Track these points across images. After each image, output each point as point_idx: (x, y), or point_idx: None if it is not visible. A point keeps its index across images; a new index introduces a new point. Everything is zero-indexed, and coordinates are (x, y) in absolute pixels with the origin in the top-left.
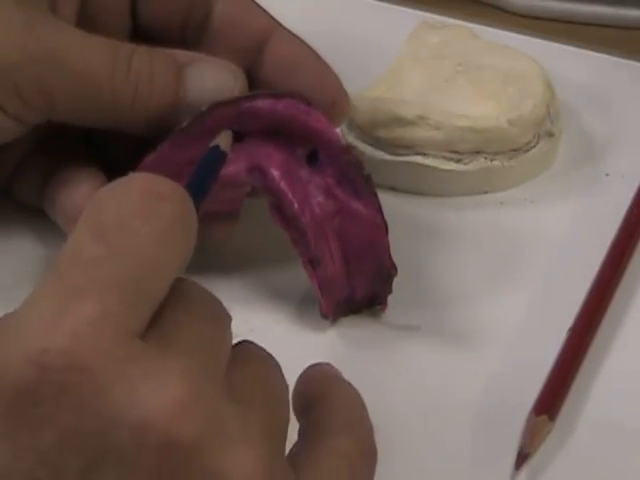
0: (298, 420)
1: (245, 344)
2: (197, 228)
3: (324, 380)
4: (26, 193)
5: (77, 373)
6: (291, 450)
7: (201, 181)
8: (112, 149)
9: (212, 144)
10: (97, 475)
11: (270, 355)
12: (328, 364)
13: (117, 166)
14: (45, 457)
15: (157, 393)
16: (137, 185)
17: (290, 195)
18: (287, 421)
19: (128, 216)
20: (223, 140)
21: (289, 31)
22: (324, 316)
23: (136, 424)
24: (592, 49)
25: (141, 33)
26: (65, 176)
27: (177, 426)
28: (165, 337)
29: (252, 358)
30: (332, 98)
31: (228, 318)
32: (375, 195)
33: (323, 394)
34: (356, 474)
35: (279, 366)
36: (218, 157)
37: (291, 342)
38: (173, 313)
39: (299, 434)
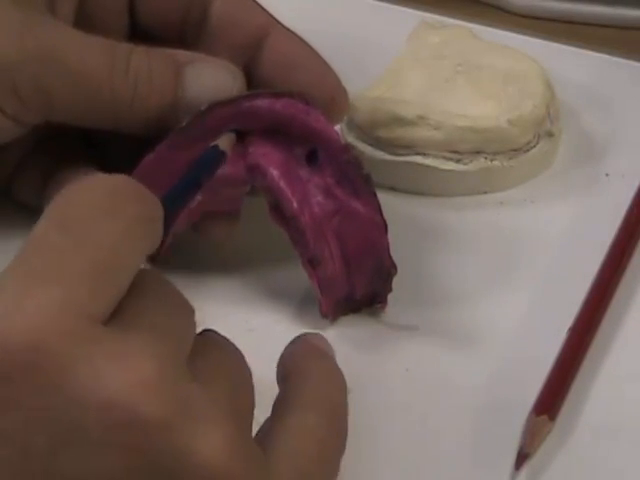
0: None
1: (207, 333)
2: (162, 230)
3: (306, 353)
4: (26, 193)
5: (40, 354)
6: (262, 425)
7: (195, 176)
8: (111, 149)
9: (212, 143)
10: (64, 454)
11: (230, 342)
12: (318, 335)
13: (116, 166)
14: (10, 437)
15: (122, 373)
16: (104, 184)
17: (289, 194)
18: (252, 404)
19: (92, 211)
20: (224, 141)
21: (287, 29)
22: (324, 316)
23: (102, 403)
24: (592, 49)
25: (140, 32)
26: (64, 177)
27: (144, 404)
28: (128, 323)
29: (213, 345)
30: (330, 95)
31: (191, 309)
32: (374, 195)
33: (300, 367)
34: (323, 453)
35: (240, 352)
36: (216, 156)
37: None
38: (135, 302)
39: (272, 407)
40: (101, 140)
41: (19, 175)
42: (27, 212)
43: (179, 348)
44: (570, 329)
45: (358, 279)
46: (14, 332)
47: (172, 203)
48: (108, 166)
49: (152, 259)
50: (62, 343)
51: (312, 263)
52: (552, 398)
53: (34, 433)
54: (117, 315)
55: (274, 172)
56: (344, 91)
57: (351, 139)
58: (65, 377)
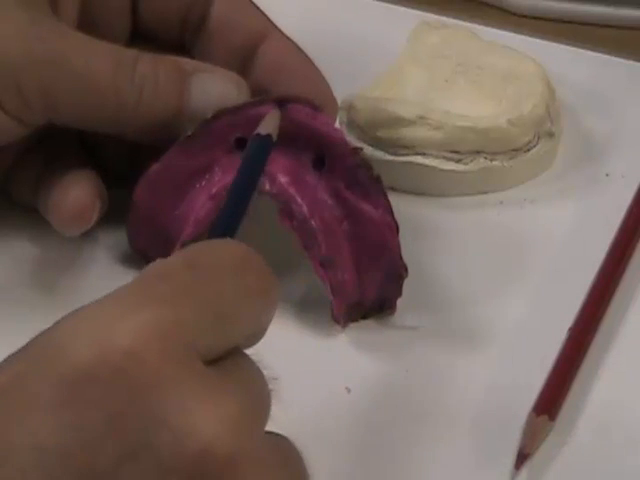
0: None
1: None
2: (276, 305)
3: None
4: (22, 193)
5: (134, 362)
6: None
7: (249, 173)
8: (106, 152)
9: (256, 131)
10: (131, 466)
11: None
12: None
13: (110, 167)
14: (84, 437)
15: (207, 407)
16: (235, 248)
17: (299, 199)
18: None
19: (221, 266)
20: (268, 123)
21: (284, 35)
22: (335, 319)
23: (181, 428)
24: (592, 49)
25: (141, 32)
26: (59, 177)
27: (220, 441)
28: (223, 371)
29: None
30: (319, 103)
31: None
32: (385, 196)
33: None
34: None
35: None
36: (263, 144)
37: (302, 348)
38: (233, 361)
39: None
40: (96, 142)
41: (15, 175)
42: (24, 212)
43: (262, 412)
44: (570, 329)
45: (369, 283)
46: (116, 335)
47: (234, 206)
48: (102, 168)
49: None
50: (159, 360)
51: (324, 265)
52: (552, 398)
53: (106, 438)
54: (216, 363)
55: (282, 178)
56: (334, 100)
57: (351, 139)
58: (151, 393)
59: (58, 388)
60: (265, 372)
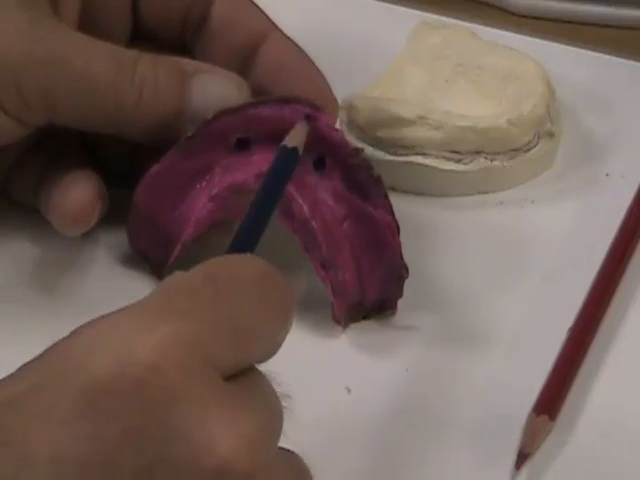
0: None
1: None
2: (292, 322)
3: None
4: (22, 193)
5: (156, 376)
6: None
7: (273, 186)
8: (106, 152)
9: (282, 144)
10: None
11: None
12: None
13: (110, 167)
14: (102, 449)
15: (228, 422)
16: (255, 263)
17: (300, 200)
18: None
19: (242, 279)
20: (294, 136)
21: (285, 35)
22: (336, 320)
23: (199, 443)
24: (592, 49)
25: (141, 32)
26: (59, 177)
27: (238, 457)
28: (241, 388)
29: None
30: (320, 103)
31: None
32: (386, 196)
33: None
34: None
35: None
36: (289, 156)
37: (303, 349)
38: (253, 376)
39: None
40: (96, 142)
41: (15, 175)
42: (24, 212)
43: (276, 428)
44: (570, 329)
45: (370, 283)
46: (137, 349)
47: (255, 220)
48: (102, 168)
49: (160, 269)
50: (180, 374)
51: (325, 266)
52: (552, 398)
53: (126, 451)
54: (233, 379)
55: None
56: (334, 100)
57: (351, 139)
58: (170, 406)
59: (76, 400)
60: (278, 389)
